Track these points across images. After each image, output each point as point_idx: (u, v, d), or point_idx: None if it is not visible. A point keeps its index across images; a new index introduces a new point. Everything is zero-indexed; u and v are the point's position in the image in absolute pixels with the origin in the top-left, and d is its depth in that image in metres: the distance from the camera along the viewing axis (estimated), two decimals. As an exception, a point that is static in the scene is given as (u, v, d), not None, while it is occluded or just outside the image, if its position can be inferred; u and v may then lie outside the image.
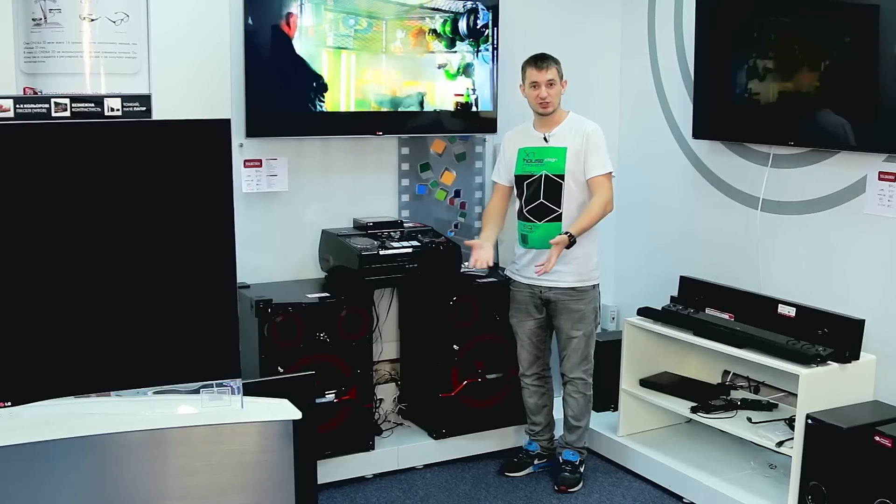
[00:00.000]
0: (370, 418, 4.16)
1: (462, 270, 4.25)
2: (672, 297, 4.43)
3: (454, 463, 4.32)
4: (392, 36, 4.27)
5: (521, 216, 4.05)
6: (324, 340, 3.91)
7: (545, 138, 3.97)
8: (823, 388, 3.60)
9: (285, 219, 4.25)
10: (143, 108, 2.88)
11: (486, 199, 4.69)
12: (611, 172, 3.94)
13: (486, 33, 4.43)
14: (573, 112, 4.04)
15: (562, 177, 3.92)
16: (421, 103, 4.35)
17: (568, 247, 3.85)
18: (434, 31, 4.35)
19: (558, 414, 4.25)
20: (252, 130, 3.99)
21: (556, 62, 3.95)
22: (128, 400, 2.85)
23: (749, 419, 3.94)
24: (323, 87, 4.09)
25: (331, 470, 3.98)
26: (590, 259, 3.99)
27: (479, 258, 3.96)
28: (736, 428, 3.90)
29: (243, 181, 4.07)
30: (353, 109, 4.18)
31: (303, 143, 4.23)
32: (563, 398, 4.17)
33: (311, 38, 4.04)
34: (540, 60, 3.93)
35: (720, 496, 3.81)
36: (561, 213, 3.93)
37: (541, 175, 3.96)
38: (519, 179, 4.04)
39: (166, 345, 2.80)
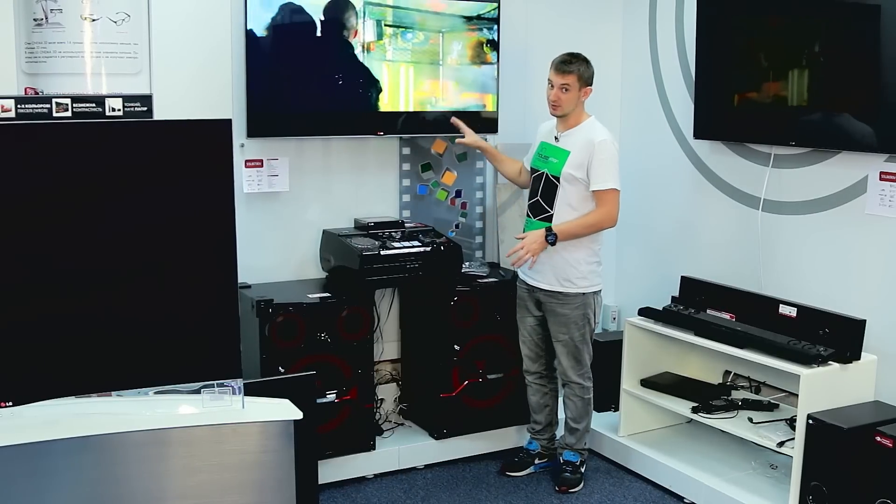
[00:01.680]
0: (371, 418, 4.16)
1: (463, 270, 4.26)
2: (673, 297, 4.43)
3: (455, 463, 4.32)
4: (448, 48, 4.31)
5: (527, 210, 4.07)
6: (325, 340, 3.91)
7: (556, 137, 3.97)
8: (824, 388, 3.60)
9: (286, 219, 4.25)
10: (145, 109, 2.89)
11: (487, 198, 4.70)
12: (615, 188, 3.84)
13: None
14: (594, 117, 3.97)
15: (558, 179, 3.91)
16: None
17: (549, 242, 3.84)
18: (492, 41, 4.40)
19: (562, 414, 4.25)
20: (253, 130, 3.99)
21: (580, 69, 3.85)
22: (129, 400, 2.85)
23: (750, 419, 3.94)
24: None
25: (332, 470, 3.98)
26: (576, 266, 3.92)
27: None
28: (737, 428, 3.90)
29: (244, 181, 4.07)
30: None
31: (304, 143, 4.23)
32: (562, 400, 4.18)
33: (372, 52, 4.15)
34: (563, 63, 3.86)
35: (721, 496, 3.81)
36: (552, 215, 3.93)
37: (543, 173, 3.97)
38: (531, 172, 4.06)
39: (167, 345, 2.80)
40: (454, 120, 4.23)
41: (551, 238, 3.85)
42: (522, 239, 3.90)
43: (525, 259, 3.86)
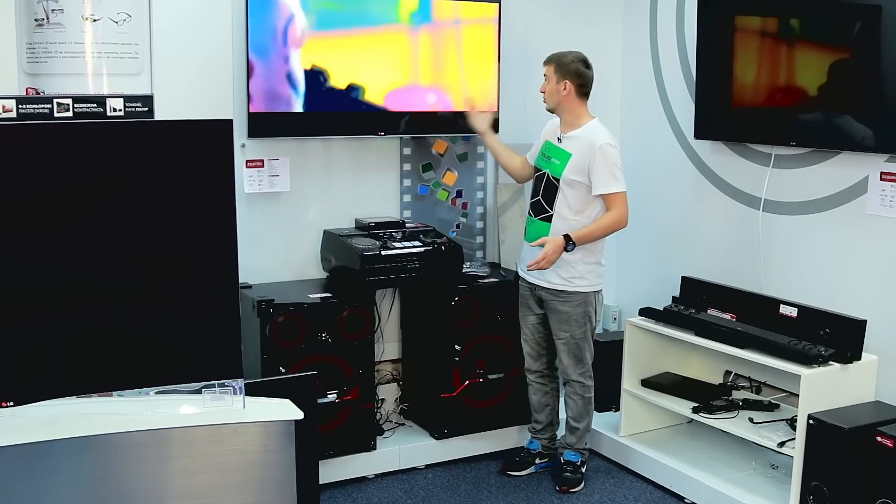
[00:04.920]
0: (372, 418, 4.16)
1: (464, 270, 4.26)
2: (674, 297, 4.43)
3: (456, 463, 4.32)
4: None
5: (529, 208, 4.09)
6: (325, 341, 3.92)
7: (559, 138, 3.97)
8: (825, 388, 3.60)
9: (287, 219, 4.25)
10: (146, 109, 2.89)
11: (487, 198, 4.70)
12: (622, 191, 3.85)
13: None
14: (597, 120, 3.98)
15: (559, 181, 3.92)
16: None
17: (566, 248, 3.84)
18: None
19: (563, 414, 4.25)
20: (254, 130, 4.00)
21: (555, 63, 3.90)
22: (130, 400, 2.86)
23: (751, 419, 3.94)
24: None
25: (332, 470, 3.98)
26: (575, 265, 3.92)
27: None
28: (737, 428, 3.90)
29: (245, 181, 4.07)
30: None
31: (305, 143, 4.23)
32: (564, 399, 4.18)
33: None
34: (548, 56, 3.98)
35: (722, 496, 3.81)
36: (552, 215, 3.94)
37: (545, 173, 3.97)
38: (535, 170, 4.07)
39: (168, 345, 2.81)
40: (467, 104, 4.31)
41: (570, 247, 3.85)
42: (541, 245, 3.87)
43: (542, 267, 3.87)
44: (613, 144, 3.89)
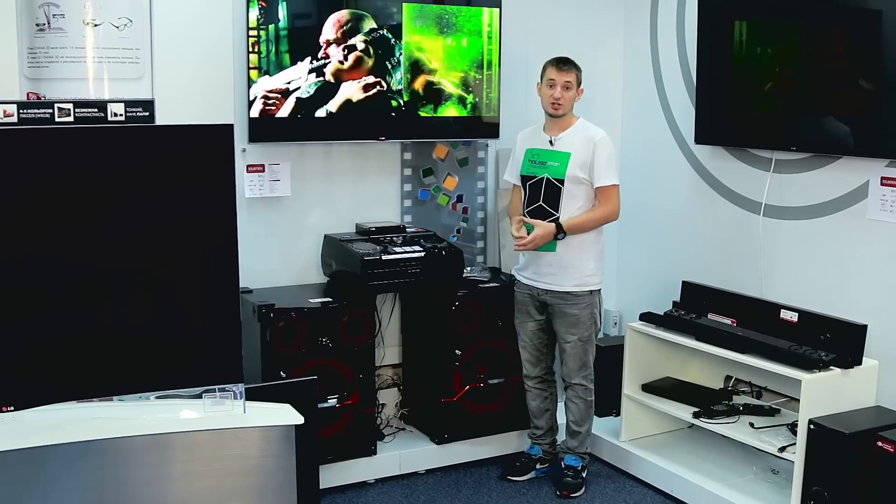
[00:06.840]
0: (372, 423, 4.16)
1: (464, 275, 4.26)
2: (674, 302, 4.43)
3: (456, 468, 4.32)
4: None
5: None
6: (326, 345, 3.91)
7: (551, 141, 3.98)
8: (826, 393, 3.60)
9: (288, 224, 4.25)
10: (147, 114, 2.90)
11: (488, 203, 4.70)
12: (617, 184, 3.92)
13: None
14: (583, 118, 4.03)
15: (562, 181, 3.92)
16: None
17: (556, 237, 3.87)
18: None
19: (562, 419, 4.25)
20: (255, 135, 4.00)
21: (578, 68, 3.94)
22: (130, 404, 2.85)
23: (751, 424, 3.93)
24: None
25: (333, 475, 3.98)
26: (585, 265, 3.96)
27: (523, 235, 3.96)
28: (738, 433, 3.89)
29: (246, 186, 4.07)
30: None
31: (305, 147, 4.23)
32: (564, 403, 4.18)
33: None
34: (562, 63, 3.93)
35: (722, 501, 3.80)
36: (558, 218, 3.94)
37: (542, 178, 3.97)
38: (523, 180, 4.06)
39: (169, 349, 2.81)
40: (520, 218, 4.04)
41: (561, 236, 3.88)
42: (531, 226, 3.90)
43: (527, 248, 3.91)
44: (608, 137, 3.96)
